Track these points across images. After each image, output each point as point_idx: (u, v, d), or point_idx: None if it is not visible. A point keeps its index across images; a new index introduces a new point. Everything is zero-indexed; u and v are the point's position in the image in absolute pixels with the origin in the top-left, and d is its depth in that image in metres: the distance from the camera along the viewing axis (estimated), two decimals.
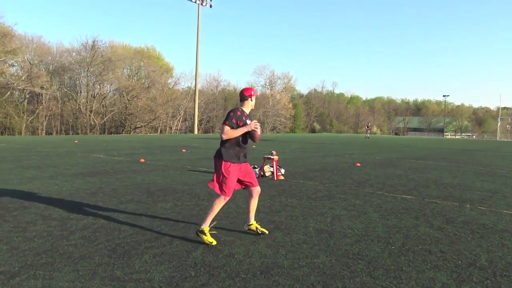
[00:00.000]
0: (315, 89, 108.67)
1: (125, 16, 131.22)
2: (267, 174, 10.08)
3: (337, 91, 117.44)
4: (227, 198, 4.67)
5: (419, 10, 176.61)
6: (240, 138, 4.74)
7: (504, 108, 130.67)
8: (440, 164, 15.20)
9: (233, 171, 4.68)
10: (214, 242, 4.56)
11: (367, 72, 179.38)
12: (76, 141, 24.40)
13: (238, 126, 4.67)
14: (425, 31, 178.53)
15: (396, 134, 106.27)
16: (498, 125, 74.93)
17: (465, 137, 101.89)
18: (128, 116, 60.32)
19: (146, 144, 22.91)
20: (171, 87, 71.64)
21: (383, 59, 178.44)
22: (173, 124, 69.03)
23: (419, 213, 6.53)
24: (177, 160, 13.72)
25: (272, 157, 9.94)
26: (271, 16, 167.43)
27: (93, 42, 56.29)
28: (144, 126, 62.16)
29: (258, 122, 4.89)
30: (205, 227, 4.64)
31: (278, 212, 6.26)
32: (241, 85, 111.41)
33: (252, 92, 4.92)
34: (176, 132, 67.03)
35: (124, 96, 61.30)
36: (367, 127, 50.45)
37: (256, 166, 10.39)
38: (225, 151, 4.70)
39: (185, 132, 67.55)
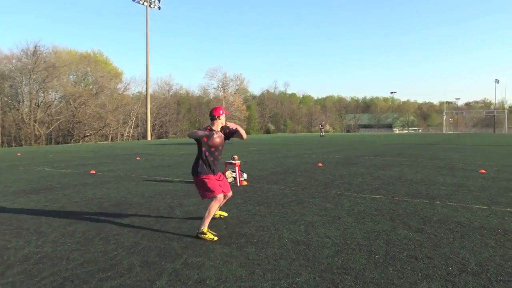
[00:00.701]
0: (267, 90, 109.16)
1: (69, 20, 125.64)
2: (229, 180, 9.54)
3: (289, 91, 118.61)
4: (219, 196, 5.13)
5: (365, 9, 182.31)
6: (210, 155, 5.24)
7: (447, 102, 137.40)
8: (398, 160, 15.30)
9: (212, 177, 5.22)
10: (215, 238, 4.96)
11: (317, 71, 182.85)
12: (19, 154, 22.67)
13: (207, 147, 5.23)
14: (370, 30, 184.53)
15: (348, 131, 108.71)
16: (444, 119, 78.43)
17: (412, 131, 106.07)
18: (76, 125, 57.61)
19: (96, 154, 21.67)
20: (121, 92, 69.29)
21: (332, 58, 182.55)
22: (124, 131, 66.68)
23: (393, 214, 6.25)
24: (132, 170, 12.89)
25: (234, 162, 9.42)
26: (221, 17, 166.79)
27: (35, 47, 53.21)
28: (94, 134, 59.59)
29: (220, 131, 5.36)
30: (204, 228, 5.04)
31: (247, 223, 5.76)
32: (194, 89, 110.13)
33: (221, 111, 5.36)
34: (128, 139, 64.83)
35: (71, 104, 58.49)
36: (321, 125, 51.17)
37: None
38: (200, 167, 5.20)
39: (138, 139, 65.51)
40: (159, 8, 48.46)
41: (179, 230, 5.42)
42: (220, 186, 5.28)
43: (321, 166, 13.25)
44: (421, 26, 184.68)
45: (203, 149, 5.19)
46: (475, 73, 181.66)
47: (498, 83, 77.12)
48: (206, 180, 5.12)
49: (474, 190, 8.39)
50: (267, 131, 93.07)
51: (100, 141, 58.96)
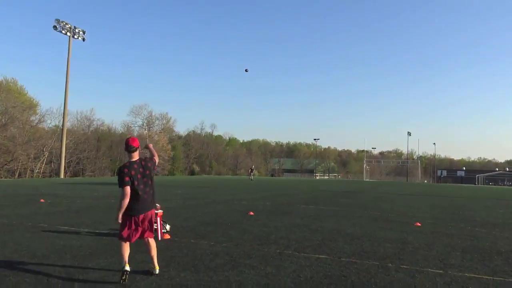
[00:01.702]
0: (193, 131, 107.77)
1: None
2: None
3: (215, 133, 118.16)
4: (121, 242, 5.18)
5: (293, 55, 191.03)
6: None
7: (362, 151, 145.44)
8: (332, 209, 14.69)
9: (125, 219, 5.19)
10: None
11: (243, 114, 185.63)
12: None
13: (131, 182, 5.00)
14: (296, 78, 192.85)
15: (272, 175, 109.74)
16: (364, 167, 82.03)
17: (332, 177, 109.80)
18: None
19: None
20: (34, 125, 63.90)
21: (258, 102, 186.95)
22: (35, 166, 60.90)
23: (347, 282, 5.25)
24: (30, 216, 10.80)
25: (155, 211, 7.98)
26: (149, 54, 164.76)
27: None
28: None
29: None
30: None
31: None
32: (117, 125, 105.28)
33: (139, 143, 5.22)
34: (39, 176, 59.17)
35: None
36: (251, 170, 51.13)
37: None
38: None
39: (50, 176, 60.11)
40: (84, 39, 46.06)
41: None
42: (133, 232, 5.15)
43: (252, 215, 12.14)
44: (341, 79, 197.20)
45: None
46: (389, 125, 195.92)
47: (410, 135, 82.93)
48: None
49: (420, 248, 7.75)
50: (192, 172, 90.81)
51: (6, 177, 53.13)
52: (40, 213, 11.39)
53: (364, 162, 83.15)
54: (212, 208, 13.90)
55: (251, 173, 49.82)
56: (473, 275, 5.87)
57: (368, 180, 73.07)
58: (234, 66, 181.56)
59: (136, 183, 4.96)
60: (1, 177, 51.67)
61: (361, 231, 9.72)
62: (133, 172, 4.93)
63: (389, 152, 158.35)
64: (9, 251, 6.55)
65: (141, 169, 5.06)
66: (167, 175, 78.77)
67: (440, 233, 9.88)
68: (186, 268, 5.72)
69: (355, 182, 56.95)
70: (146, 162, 5.17)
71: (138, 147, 5.12)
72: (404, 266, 6.26)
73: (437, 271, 6.05)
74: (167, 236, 8.04)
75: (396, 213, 14.12)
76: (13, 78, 71.52)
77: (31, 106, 68.07)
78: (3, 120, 59.13)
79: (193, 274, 5.41)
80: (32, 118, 66.33)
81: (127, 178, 4.88)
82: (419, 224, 11.14)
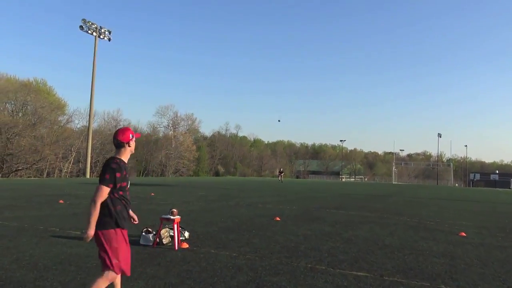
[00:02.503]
0: (219, 132, 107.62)
1: (10, 45, 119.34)
2: (165, 241, 7.31)
3: (240, 134, 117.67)
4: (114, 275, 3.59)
5: (319, 55, 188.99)
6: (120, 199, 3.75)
7: (391, 153, 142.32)
8: (363, 215, 13.65)
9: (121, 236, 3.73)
10: None
11: (268, 116, 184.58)
12: None
13: (120, 187, 3.69)
14: (321, 78, 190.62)
15: (297, 177, 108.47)
16: (393, 170, 79.89)
17: (358, 179, 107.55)
18: (7, 157, 52.50)
19: (15, 193, 18.46)
20: (62, 125, 64.87)
21: (283, 103, 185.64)
22: (63, 166, 61.77)
23: None
24: (44, 218, 10.24)
25: (172, 217, 7.22)
26: (175, 55, 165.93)
27: None
28: (27, 168, 54.51)
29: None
30: None
31: None
32: (143, 126, 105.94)
33: (131, 136, 3.80)
34: (66, 176, 59.95)
35: (2, 134, 53.53)
36: (280, 172, 50.37)
37: (150, 230, 7.56)
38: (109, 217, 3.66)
39: (78, 175, 60.86)
40: (109, 39, 46.18)
41: None
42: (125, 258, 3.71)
43: (279, 220, 11.26)
44: (369, 79, 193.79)
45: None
46: (417, 126, 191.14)
47: (440, 137, 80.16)
48: (112, 237, 3.65)
49: (473, 265, 6.71)
50: (217, 173, 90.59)
51: (35, 176, 53.99)
52: (55, 216, 10.83)
53: (393, 164, 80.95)
54: (235, 212, 13.09)
55: (281, 175, 49.09)
56: None
57: (396, 183, 70.94)
58: (259, 68, 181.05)
59: (128, 187, 3.79)
60: (30, 176, 52.53)
61: (400, 241, 8.70)
62: (125, 172, 3.67)
63: (417, 154, 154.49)
64: (9, 260, 5.89)
65: (127, 174, 3.77)
66: (192, 175, 78.72)
67: (490, 245, 8.77)
68: (203, 287, 4.90)
69: (383, 185, 55.22)
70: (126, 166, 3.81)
71: (126, 143, 3.73)
72: None
73: None
74: (185, 245, 7.25)
75: (434, 220, 12.97)
76: (42, 79, 72.99)
77: (59, 106, 69.25)
78: (32, 120, 60.24)
79: None
80: (60, 118, 67.50)
81: (118, 174, 3.57)
82: (464, 234, 10.02)
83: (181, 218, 7.82)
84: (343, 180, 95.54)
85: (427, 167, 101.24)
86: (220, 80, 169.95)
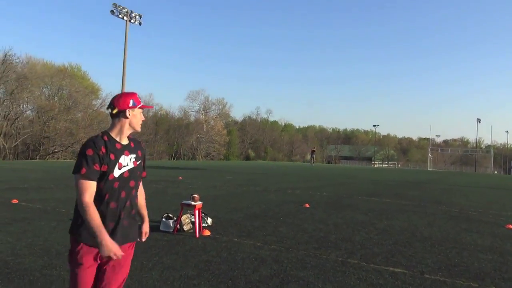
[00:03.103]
0: (249, 116, 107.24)
1: (46, 31, 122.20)
2: (186, 227, 6.90)
3: (271, 119, 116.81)
4: None
5: (350, 42, 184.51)
6: (111, 197, 2.49)
7: (426, 139, 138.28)
8: (398, 203, 12.88)
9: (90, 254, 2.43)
10: None
11: (300, 100, 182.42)
12: None
13: (103, 174, 2.43)
14: (353, 64, 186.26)
15: (329, 162, 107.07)
16: (428, 155, 77.44)
17: (392, 165, 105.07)
18: (44, 140, 54.05)
19: (46, 174, 18.67)
20: (95, 109, 66.11)
21: (315, 88, 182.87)
22: None
23: None
24: (67, 201, 10.07)
25: (193, 203, 6.79)
26: (207, 39, 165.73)
27: (5, 56, 50.00)
28: (62, 151, 56.00)
29: None
30: None
31: None
32: (174, 110, 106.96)
33: (131, 102, 2.56)
34: None
35: (40, 118, 55.07)
36: (312, 151, 48.93)
37: (171, 215, 7.17)
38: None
39: None
40: (140, 23, 46.08)
41: None
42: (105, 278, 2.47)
43: (308, 207, 10.70)
44: (402, 64, 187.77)
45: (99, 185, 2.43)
46: (454, 111, 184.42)
47: (480, 122, 76.72)
48: (78, 254, 2.38)
49: None
50: (247, 158, 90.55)
51: (71, 158, 55.42)
52: None
53: (429, 150, 78.32)
54: (263, 197, 12.61)
55: (312, 156, 47.81)
56: None
57: (432, 169, 68.73)
58: (289, 53, 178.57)
59: (133, 179, 2.58)
60: (66, 159, 53.93)
61: (441, 233, 7.98)
62: (112, 156, 2.43)
63: (454, 140, 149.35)
64: (22, 245, 5.63)
65: (133, 157, 2.58)
66: (222, 159, 78.98)
67: None
68: (222, 281, 4.44)
69: (418, 171, 53.44)
70: (137, 146, 2.67)
71: (124, 111, 2.52)
72: None
73: None
74: (207, 232, 6.83)
75: (477, 210, 12.06)
76: (77, 64, 74.52)
77: (94, 91, 70.59)
78: (67, 104, 61.65)
79: None
80: (94, 102, 68.83)
81: (96, 166, 2.37)
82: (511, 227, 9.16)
83: (204, 204, 7.41)
84: (376, 166, 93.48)
85: (465, 154, 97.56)
86: (251, 64, 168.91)
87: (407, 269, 5.29)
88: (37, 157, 52.87)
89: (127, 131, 2.56)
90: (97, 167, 2.36)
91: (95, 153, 2.35)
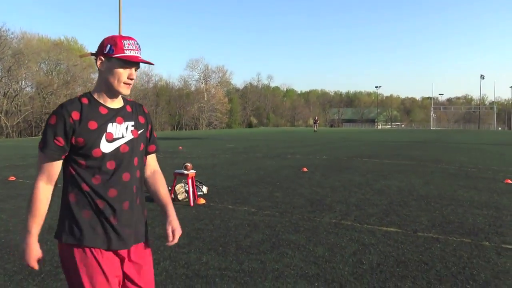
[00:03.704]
0: (250, 83, 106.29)
1: (40, 5, 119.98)
2: (180, 197, 6.89)
3: (272, 84, 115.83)
4: None
5: (352, 4, 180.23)
6: (102, 183, 1.80)
7: (428, 98, 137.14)
8: (397, 163, 12.84)
9: (92, 259, 1.78)
10: None
11: (301, 64, 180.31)
12: None
13: (80, 149, 1.77)
14: (354, 25, 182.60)
15: (331, 125, 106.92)
16: (431, 114, 77.07)
17: (395, 126, 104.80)
18: (45, 116, 53.97)
19: None
20: (94, 82, 65.61)
21: (315, 51, 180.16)
22: None
23: (430, 274, 3.71)
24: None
25: (186, 172, 6.75)
26: (203, 6, 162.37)
27: None
28: None
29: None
30: None
31: None
32: (174, 80, 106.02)
33: (108, 47, 1.77)
34: None
35: (39, 94, 54.84)
36: (315, 121, 49.31)
37: None
38: (68, 223, 1.81)
39: None
40: None
41: None
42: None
43: (306, 171, 10.68)
44: (404, 23, 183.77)
45: (73, 169, 1.81)
46: (458, 69, 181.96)
47: (483, 78, 75.78)
48: (75, 259, 1.77)
49: None
50: (249, 125, 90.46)
51: None
52: None
53: (432, 109, 77.93)
54: (261, 163, 12.59)
55: (315, 124, 48.13)
56: None
57: (435, 128, 68.48)
58: (289, 16, 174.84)
59: (120, 150, 1.83)
60: None
61: (438, 191, 7.95)
62: (92, 124, 1.77)
63: (458, 98, 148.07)
64: (15, 221, 5.64)
65: (130, 125, 1.89)
66: (225, 128, 78.94)
67: None
68: (212, 248, 4.44)
69: (421, 131, 53.30)
70: (137, 111, 1.97)
71: (97, 60, 1.82)
72: (507, 246, 4.57)
73: None
74: (202, 201, 6.82)
75: (476, 166, 12.02)
76: (73, 37, 73.58)
77: (91, 64, 69.79)
78: (66, 78, 61.22)
79: (218, 259, 4.11)
80: (93, 75, 68.29)
81: (59, 140, 1.74)
82: (510, 181, 9.11)
83: (202, 172, 7.38)
84: (379, 127, 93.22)
85: (468, 111, 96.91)
86: (250, 30, 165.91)
87: (400, 228, 5.28)
88: (39, 133, 52.96)
89: (111, 92, 1.82)
90: (60, 141, 1.72)
91: (60, 121, 1.71)
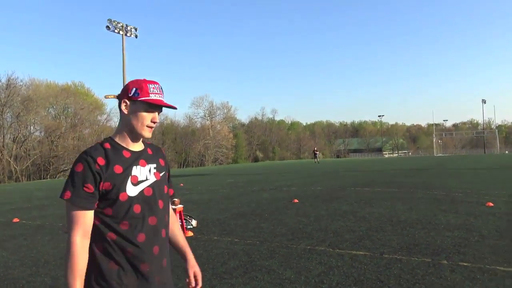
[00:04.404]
0: (255, 118, 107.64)
1: (47, 52, 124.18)
2: None
3: (277, 118, 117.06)
4: None
5: (350, 34, 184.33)
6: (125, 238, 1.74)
7: (435, 124, 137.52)
8: (388, 191, 13.20)
9: None
10: None
11: (305, 98, 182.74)
12: None
13: (107, 194, 1.72)
14: (354, 55, 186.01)
15: (338, 156, 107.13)
16: (434, 141, 77.24)
17: (402, 154, 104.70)
18: (53, 159, 55.06)
19: (51, 192, 19.28)
20: (101, 124, 67.15)
21: (318, 83, 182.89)
22: None
23: None
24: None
25: (173, 207, 7.23)
26: (205, 45, 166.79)
27: (8, 80, 51.13)
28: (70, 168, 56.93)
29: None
30: None
31: None
32: (179, 118, 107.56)
33: (133, 90, 1.82)
34: None
35: (48, 138, 56.16)
36: (314, 152, 50.02)
37: None
38: (98, 272, 1.71)
39: None
40: (136, 36, 46.76)
41: None
42: None
43: (296, 202, 11.08)
44: (404, 51, 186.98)
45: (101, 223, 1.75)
46: (460, 95, 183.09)
47: (485, 103, 76.22)
48: None
49: (488, 237, 6.29)
50: (256, 159, 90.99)
51: None
52: None
53: (434, 136, 78.14)
54: (256, 197, 13.03)
55: (316, 155, 48.75)
56: None
57: (440, 155, 68.48)
58: (292, 52, 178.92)
59: (144, 193, 1.81)
60: None
61: (417, 215, 8.32)
62: (118, 168, 1.76)
63: (463, 123, 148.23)
64: (15, 258, 6.12)
65: (153, 168, 1.90)
66: (231, 163, 79.50)
67: None
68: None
69: (425, 158, 53.46)
70: (157, 153, 1.99)
71: (121, 103, 1.86)
72: (464, 264, 4.93)
73: (509, 269, 4.68)
74: (190, 233, 7.27)
75: (464, 191, 12.34)
76: (80, 82, 75.63)
77: (98, 106, 71.57)
78: (73, 122, 62.76)
79: None
80: (100, 117, 69.93)
81: (89, 187, 1.69)
82: (491, 204, 9.43)
83: (196, 207, 7.85)
84: (386, 156, 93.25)
85: (473, 136, 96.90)
86: (253, 66, 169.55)
87: (369, 251, 5.66)
88: (48, 176, 53.92)
89: (133, 135, 1.84)
90: (89, 187, 1.66)
91: (87, 167, 1.67)
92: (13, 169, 51.84)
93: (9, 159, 51.51)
